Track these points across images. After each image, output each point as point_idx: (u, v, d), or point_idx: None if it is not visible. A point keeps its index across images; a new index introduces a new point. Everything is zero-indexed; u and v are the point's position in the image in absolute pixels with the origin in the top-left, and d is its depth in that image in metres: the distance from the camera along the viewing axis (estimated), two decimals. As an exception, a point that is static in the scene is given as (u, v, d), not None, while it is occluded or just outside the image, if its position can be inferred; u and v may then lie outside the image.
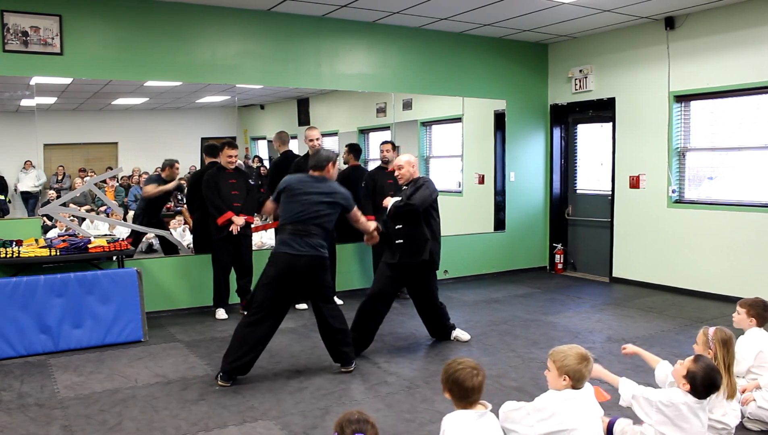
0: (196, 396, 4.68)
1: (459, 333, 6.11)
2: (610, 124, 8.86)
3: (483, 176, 9.65)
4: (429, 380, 4.98)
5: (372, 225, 5.61)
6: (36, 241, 6.37)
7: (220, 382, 4.87)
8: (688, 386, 3.32)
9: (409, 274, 5.75)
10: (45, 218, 7.26)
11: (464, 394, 2.88)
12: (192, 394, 4.72)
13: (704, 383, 3.29)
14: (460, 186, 9.61)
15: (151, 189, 7.58)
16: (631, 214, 8.61)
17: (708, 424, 3.61)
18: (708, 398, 3.36)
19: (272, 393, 4.73)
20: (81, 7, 6.66)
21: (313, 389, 4.80)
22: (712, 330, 3.76)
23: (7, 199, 7.70)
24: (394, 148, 7.87)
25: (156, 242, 8.18)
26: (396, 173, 5.83)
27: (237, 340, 4.88)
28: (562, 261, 9.70)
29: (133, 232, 7.56)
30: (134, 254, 7.35)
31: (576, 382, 3.17)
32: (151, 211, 7.67)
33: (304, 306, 7.40)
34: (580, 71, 9.13)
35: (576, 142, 9.70)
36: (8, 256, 5.92)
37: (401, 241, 5.63)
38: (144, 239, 8.18)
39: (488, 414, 2.91)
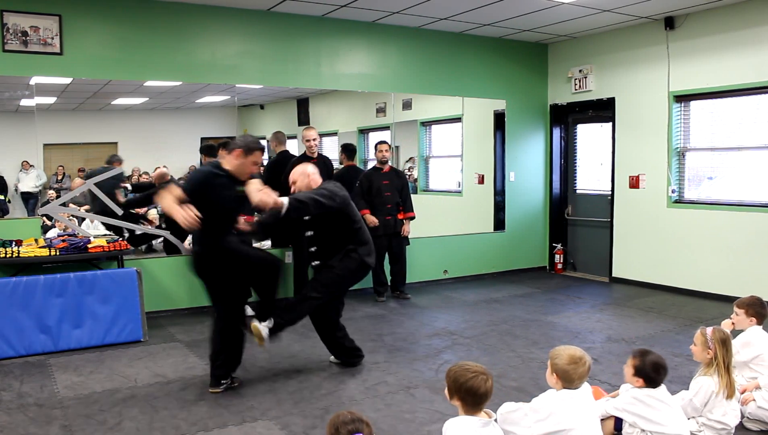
0: (196, 396, 4.68)
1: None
2: (610, 124, 8.86)
3: (483, 176, 9.65)
4: (428, 380, 4.98)
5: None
6: (36, 241, 6.37)
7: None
8: (641, 381, 3.40)
9: None
10: (45, 218, 7.26)
11: (477, 401, 2.85)
12: (191, 394, 4.72)
13: (652, 368, 3.37)
14: (459, 186, 9.62)
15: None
16: (631, 214, 8.61)
17: (707, 423, 3.63)
18: (663, 384, 3.41)
19: (272, 393, 4.73)
20: (81, 7, 6.66)
21: (313, 389, 4.80)
22: (710, 330, 3.76)
23: (7, 199, 7.70)
24: (389, 148, 7.88)
25: (156, 242, 8.17)
26: (292, 190, 5.21)
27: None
28: (561, 261, 9.71)
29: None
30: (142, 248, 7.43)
31: (566, 383, 3.17)
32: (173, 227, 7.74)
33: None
34: (580, 71, 9.13)
35: (576, 142, 9.71)
36: (8, 256, 5.92)
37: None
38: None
39: (492, 424, 2.89)
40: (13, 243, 6.17)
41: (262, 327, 4.92)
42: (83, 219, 7.82)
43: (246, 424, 4.17)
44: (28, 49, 6.42)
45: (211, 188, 4.49)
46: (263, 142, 9.50)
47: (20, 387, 4.88)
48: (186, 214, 4.23)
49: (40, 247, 6.12)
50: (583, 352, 3.21)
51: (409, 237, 7.90)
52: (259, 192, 4.61)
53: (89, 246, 6.26)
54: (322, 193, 4.87)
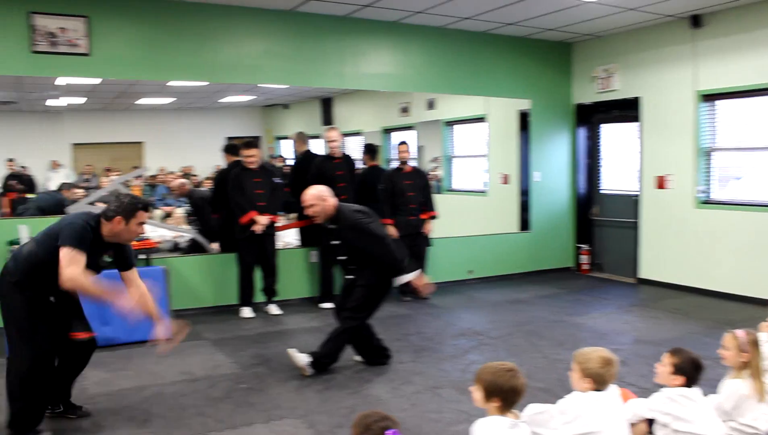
0: (223, 394, 4.71)
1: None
2: (636, 123, 8.78)
3: (507, 176, 9.61)
4: (454, 380, 4.97)
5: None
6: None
7: None
8: (681, 379, 3.32)
9: None
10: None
11: (516, 399, 2.84)
12: (218, 392, 4.75)
13: (692, 365, 3.32)
14: (484, 186, 9.59)
15: None
16: (658, 215, 8.52)
17: (737, 428, 3.57)
18: (698, 384, 3.35)
19: (298, 392, 4.75)
20: (108, 8, 6.72)
21: (339, 388, 4.81)
22: (741, 333, 3.70)
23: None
24: (409, 148, 7.85)
25: (181, 241, 8.23)
26: (306, 211, 5.19)
27: None
28: (587, 261, 9.63)
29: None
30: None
31: (598, 385, 3.14)
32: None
33: (329, 305, 7.41)
34: (605, 70, 9.06)
35: (600, 142, 9.63)
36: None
37: None
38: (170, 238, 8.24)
39: (520, 425, 2.86)
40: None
41: (302, 357, 5.11)
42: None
43: (272, 422, 4.19)
44: (55, 50, 6.49)
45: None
46: (289, 142, 9.55)
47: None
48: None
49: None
50: (611, 354, 3.19)
51: (434, 237, 7.89)
52: None
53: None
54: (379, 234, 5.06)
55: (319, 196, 5.05)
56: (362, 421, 2.46)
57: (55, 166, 7.65)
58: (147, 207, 4.06)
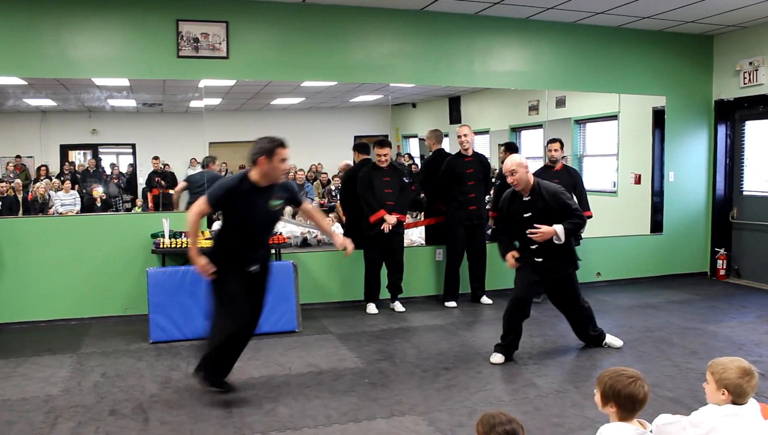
0: (347, 387, 4.83)
1: (611, 339, 5.86)
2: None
3: (639, 176, 9.25)
4: (579, 385, 4.85)
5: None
6: (202, 233, 6.79)
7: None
8: (728, 394, 3.00)
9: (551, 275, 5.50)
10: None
11: (635, 407, 2.75)
12: (342, 385, 4.87)
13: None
14: (614, 186, 9.28)
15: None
16: (806, 218, 7.94)
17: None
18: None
19: (420, 389, 4.79)
20: (246, 13, 7.05)
21: (461, 387, 4.81)
22: None
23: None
24: (563, 146, 7.67)
25: (310, 236, 8.48)
26: (509, 180, 5.29)
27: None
28: (724, 267, 9.12)
29: None
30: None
31: (736, 398, 2.97)
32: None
33: (453, 304, 7.43)
34: (750, 63, 8.52)
35: (743, 140, 9.08)
36: (178, 246, 6.37)
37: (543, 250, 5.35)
38: (299, 234, 8.51)
39: (647, 434, 2.77)
40: (183, 234, 6.62)
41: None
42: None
43: (394, 417, 4.25)
44: (198, 54, 6.89)
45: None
46: (416, 141, 9.63)
47: (187, 368, 5.23)
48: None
49: (206, 239, 6.52)
50: (750, 365, 3.01)
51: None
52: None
53: (249, 239, 6.59)
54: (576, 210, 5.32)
55: (521, 164, 5.21)
56: (488, 421, 2.45)
57: (193, 163, 8.08)
58: (283, 144, 4.39)
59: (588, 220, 7.43)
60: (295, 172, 9.91)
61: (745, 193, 9.04)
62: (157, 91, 7.59)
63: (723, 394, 2.98)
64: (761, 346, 5.90)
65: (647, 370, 5.13)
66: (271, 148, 4.31)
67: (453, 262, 7.49)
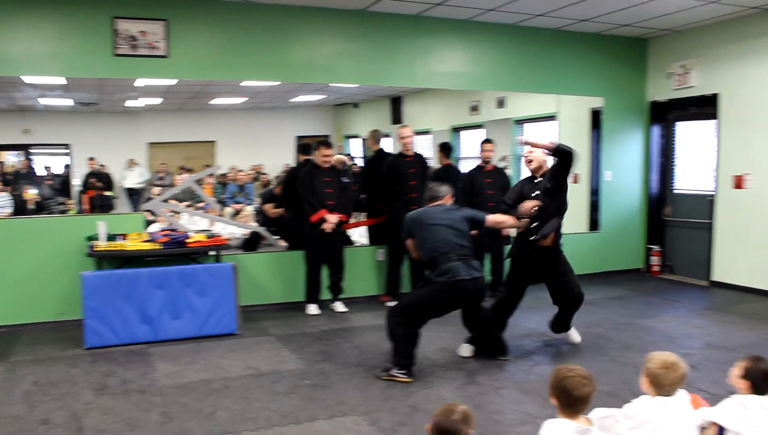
0: (287, 389, 4.79)
1: (572, 333, 5.99)
2: (713, 121, 8.49)
3: (577, 175, 9.43)
4: (518, 381, 4.92)
5: (510, 220, 5.59)
6: (140, 235, 6.66)
7: (404, 379, 4.94)
8: (746, 384, 3.18)
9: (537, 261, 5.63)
10: (148, 213, 7.58)
11: (570, 402, 2.80)
12: (283, 387, 4.83)
13: (762, 375, 3.14)
14: (553, 185, 9.42)
15: (269, 209, 7.89)
16: (735, 216, 8.21)
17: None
18: None
19: (361, 389, 4.78)
20: (186, 11, 6.92)
21: (402, 386, 4.82)
22: None
23: (114, 195, 8.09)
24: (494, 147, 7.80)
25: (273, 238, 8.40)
26: (529, 166, 5.67)
27: (403, 339, 5.01)
28: (659, 263, 9.37)
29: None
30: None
31: (656, 388, 3.06)
32: (270, 223, 7.94)
33: (395, 303, 7.42)
34: (682, 66, 8.78)
35: (675, 141, 9.34)
36: (114, 249, 6.22)
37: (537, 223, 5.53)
38: (241, 235, 8.42)
39: (591, 432, 2.81)
40: (120, 237, 6.47)
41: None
42: (183, 214, 8.12)
43: (335, 418, 4.23)
44: (136, 53, 6.72)
45: None
46: (359, 141, 9.64)
47: (124, 373, 5.12)
48: None
49: (143, 242, 6.40)
50: (679, 359, 3.09)
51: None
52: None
53: (189, 241, 6.50)
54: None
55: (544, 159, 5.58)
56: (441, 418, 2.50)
57: (131, 164, 7.93)
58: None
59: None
60: (236, 173, 9.82)
61: (676, 191, 9.30)
62: (94, 90, 7.41)
63: (647, 384, 3.09)
64: (692, 338, 6.08)
65: (585, 365, 5.17)
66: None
67: (395, 262, 7.51)
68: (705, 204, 8.68)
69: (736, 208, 8.18)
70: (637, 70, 9.35)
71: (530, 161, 5.58)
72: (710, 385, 4.70)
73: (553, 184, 5.46)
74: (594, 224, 9.33)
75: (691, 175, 9.14)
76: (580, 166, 9.34)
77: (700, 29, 8.53)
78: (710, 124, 8.58)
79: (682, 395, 3.12)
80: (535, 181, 5.61)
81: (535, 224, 5.48)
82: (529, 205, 5.42)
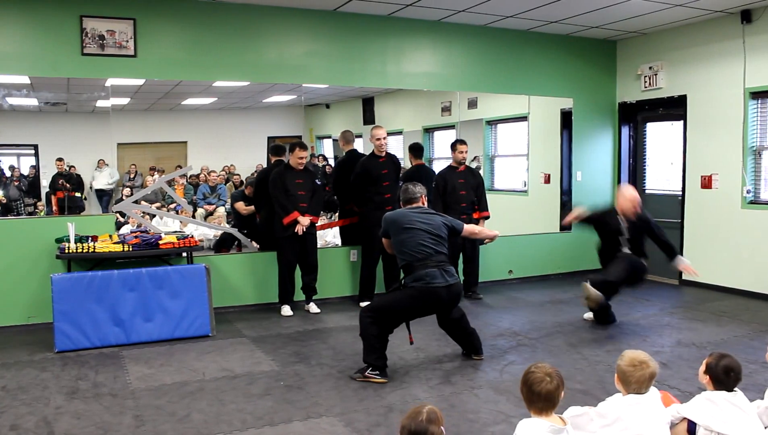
0: (262, 391, 4.76)
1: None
2: (681, 122, 8.62)
3: (549, 176, 9.52)
4: (492, 381, 4.94)
5: (485, 231, 5.98)
6: (110, 236, 6.58)
7: (378, 379, 4.93)
8: (708, 379, 3.26)
9: None
10: (118, 215, 7.49)
11: (531, 398, 2.81)
12: (257, 389, 4.80)
13: (723, 370, 3.20)
14: (525, 185, 9.51)
15: (241, 207, 7.85)
16: (703, 215, 8.35)
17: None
18: (739, 390, 3.25)
19: (336, 390, 4.77)
20: (154, 10, 6.86)
21: (377, 387, 4.82)
22: None
23: (83, 197, 7.98)
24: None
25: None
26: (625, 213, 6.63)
27: (376, 338, 4.99)
28: (630, 262, 9.46)
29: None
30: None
31: (625, 385, 3.11)
32: (243, 224, 7.89)
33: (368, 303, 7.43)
34: (650, 68, 8.91)
35: (645, 141, 9.47)
36: (84, 251, 6.14)
37: None
38: (213, 236, 8.36)
39: (565, 432, 2.82)
40: (89, 239, 6.39)
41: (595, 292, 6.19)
42: (154, 216, 8.04)
43: (310, 419, 4.22)
44: (104, 52, 6.65)
45: None
46: (331, 142, 9.62)
47: (95, 377, 5.05)
48: None
49: (114, 243, 6.32)
50: (648, 358, 3.13)
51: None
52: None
53: (160, 242, 6.44)
54: None
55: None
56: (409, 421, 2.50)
57: (101, 165, 7.82)
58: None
59: (486, 221, 7.72)
60: (208, 174, 9.73)
61: (647, 191, 9.43)
62: (61, 90, 7.30)
63: (618, 381, 3.15)
64: (663, 336, 6.18)
65: (558, 364, 5.25)
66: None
67: (369, 263, 7.51)
68: (674, 204, 8.81)
69: (704, 207, 8.32)
70: (607, 72, 9.46)
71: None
72: (681, 382, 4.77)
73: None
74: (566, 224, 9.38)
75: (662, 175, 9.27)
76: (551, 167, 9.45)
77: (668, 32, 8.67)
78: (679, 124, 8.71)
79: (653, 393, 3.17)
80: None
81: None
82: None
